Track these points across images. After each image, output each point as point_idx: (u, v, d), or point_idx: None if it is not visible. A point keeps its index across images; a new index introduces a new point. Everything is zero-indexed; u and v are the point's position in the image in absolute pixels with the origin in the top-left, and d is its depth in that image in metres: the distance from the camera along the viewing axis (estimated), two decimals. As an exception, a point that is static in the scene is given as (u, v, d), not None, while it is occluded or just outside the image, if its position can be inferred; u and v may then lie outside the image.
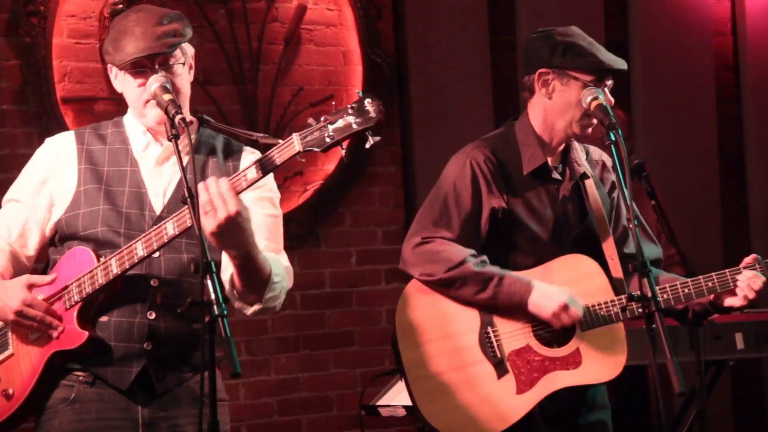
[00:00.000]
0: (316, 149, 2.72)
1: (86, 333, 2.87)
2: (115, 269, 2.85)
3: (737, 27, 6.64)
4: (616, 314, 3.31)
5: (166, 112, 2.78)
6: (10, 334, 2.98)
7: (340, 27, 5.59)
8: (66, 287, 2.91)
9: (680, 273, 5.24)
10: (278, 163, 2.75)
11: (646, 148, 6.19)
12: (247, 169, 2.78)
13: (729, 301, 3.35)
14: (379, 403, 4.37)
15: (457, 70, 5.84)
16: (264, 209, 3.00)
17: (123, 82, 2.98)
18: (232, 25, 5.34)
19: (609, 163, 3.53)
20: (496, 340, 3.35)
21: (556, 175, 3.41)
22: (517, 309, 3.32)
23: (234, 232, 2.72)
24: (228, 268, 2.90)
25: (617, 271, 3.39)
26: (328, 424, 5.53)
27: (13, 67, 4.92)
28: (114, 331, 2.90)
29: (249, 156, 3.05)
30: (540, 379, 3.31)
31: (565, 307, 3.27)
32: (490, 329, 3.35)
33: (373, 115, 2.72)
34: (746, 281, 3.32)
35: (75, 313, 2.88)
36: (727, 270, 3.34)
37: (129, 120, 3.06)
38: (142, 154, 3.00)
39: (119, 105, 4.97)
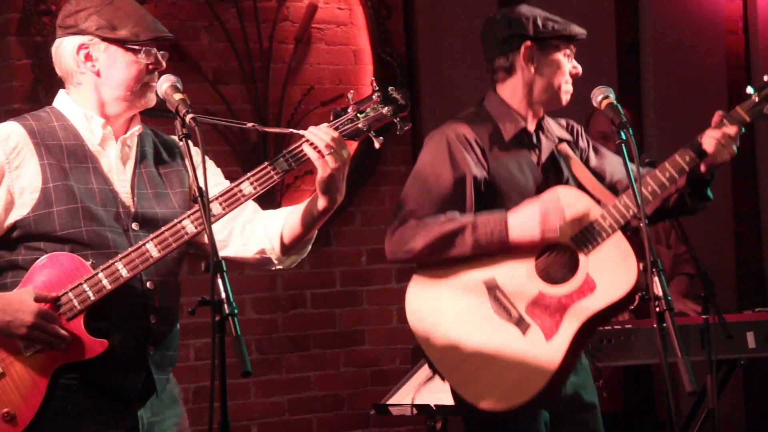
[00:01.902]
0: (352, 139, 2.84)
1: (106, 342, 2.77)
2: (125, 273, 2.77)
3: (749, 25, 6.63)
4: (610, 225, 3.29)
5: (177, 112, 2.77)
6: None
7: (350, 26, 5.60)
8: (60, 297, 2.77)
9: (690, 271, 5.26)
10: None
11: (657, 147, 6.18)
12: (273, 161, 2.84)
13: (707, 159, 3.38)
14: (390, 402, 4.37)
15: (468, 70, 5.83)
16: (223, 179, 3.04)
17: (111, 60, 2.86)
18: (243, 24, 5.35)
19: (577, 128, 3.57)
20: (508, 301, 3.33)
21: (534, 142, 3.43)
22: (503, 247, 3.29)
23: (344, 177, 2.86)
24: (274, 221, 2.94)
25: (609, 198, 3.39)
26: (339, 423, 5.53)
27: (24, 66, 4.94)
28: (117, 338, 2.81)
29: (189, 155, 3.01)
30: (564, 318, 3.28)
31: (545, 216, 3.25)
32: (498, 293, 3.33)
33: (402, 102, 2.87)
34: (709, 137, 3.39)
35: (82, 324, 2.77)
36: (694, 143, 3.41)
37: (72, 110, 2.91)
38: (99, 149, 2.89)
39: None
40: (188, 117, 2.73)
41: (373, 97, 2.86)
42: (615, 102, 3.24)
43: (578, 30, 3.43)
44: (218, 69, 5.31)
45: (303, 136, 2.85)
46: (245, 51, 5.36)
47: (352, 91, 2.92)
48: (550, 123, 3.51)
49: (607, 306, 3.28)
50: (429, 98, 5.78)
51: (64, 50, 2.90)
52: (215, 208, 2.82)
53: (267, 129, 3.06)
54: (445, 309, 3.37)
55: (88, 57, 2.87)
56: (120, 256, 2.78)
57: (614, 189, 3.48)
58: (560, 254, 3.36)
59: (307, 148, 2.83)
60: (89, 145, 2.89)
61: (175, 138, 2.99)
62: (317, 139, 2.81)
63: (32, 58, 4.91)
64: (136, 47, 2.87)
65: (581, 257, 3.31)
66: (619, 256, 3.29)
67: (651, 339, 4.38)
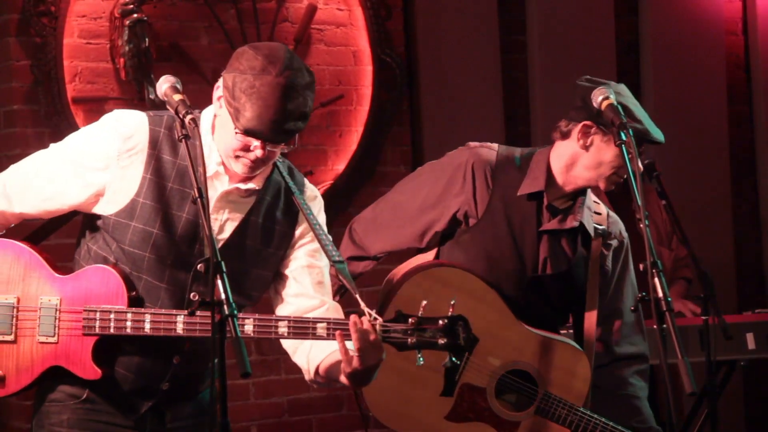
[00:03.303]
0: (394, 347, 2.76)
1: (100, 372, 2.83)
2: (147, 328, 2.80)
3: (748, 26, 6.63)
4: (570, 422, 3.37)
5: (176, 112, 2.76)
6: (15, 320, 2.86)
7: (350, 27, 5.60)
8: (88, 310, 2.83)
9: (689, 276, 5.25)
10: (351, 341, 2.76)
11: (656, 148, 6.16)
12: (317, 322, 2.78)
13: None
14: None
15: (467, 70, 5.84)
16: (323, 261, 3.00)
17: (225, 119, 2.79)
18: (242, 25, 5.35)
19: (615, 242, 3.56)
20: (463, 366, 3.37)
21: (546, 211, 3.42)
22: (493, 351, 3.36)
23: (372, 373, 2.78)
24: (318, 350, 2.90)
25: (590, 348, 3.45)
26: (338, 424, 5.53)
27: (23, 67, 4.93)
28: (135, 367, 2.87)
29: (302, 223, 2.96)
30: (472, 422, 3.36)
31: None
32: (466, 353, 3.36)
33: (461, 342, 2.74)
34: None
35: (91, 346, 2.83)
36: None
37: (206, 132, 2.87)
38: (208, 180, 2.84)
39: (130, 105, 5.01)
40: (188, 118, 2.73)
41: (440, 321, 2.74)
42: (615, 103, 3.23)
43: (653, 136, 3.36)
44: (218, 70, 5.24)
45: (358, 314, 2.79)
46: (245, 52, 5.35)
47: (425, 302, 2.78)
48: (586, 208, 3.48)
49: None
50: (429, 99, 5.78)
51: (217, 83, 2.85)
52: (248, 325, 2.79)
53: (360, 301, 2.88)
54: (426, 311, 3.39)
55: (219, 99, 2.83)
56: (153, 310, 2.81)
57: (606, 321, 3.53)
58: (529, 389, 3.42)
59: (338, 338, 2.75)
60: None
61: (309, 192, 2.98)
62: (353, 336, 2.72)
63: (31, 59, 4.91)
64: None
65: (532, 409, 3.38)
66: None
67: (651, 340, 4.38)
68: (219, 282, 2.55)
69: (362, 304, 2.78)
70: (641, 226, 2.98)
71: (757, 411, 6.51)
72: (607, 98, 3.24)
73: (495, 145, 3.50)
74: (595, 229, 3.50)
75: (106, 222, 2.86)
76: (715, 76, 6.45)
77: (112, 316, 2.81)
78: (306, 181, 3.02)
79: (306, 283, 2.95)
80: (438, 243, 3.51)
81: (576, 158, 3.39)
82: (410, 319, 2.74)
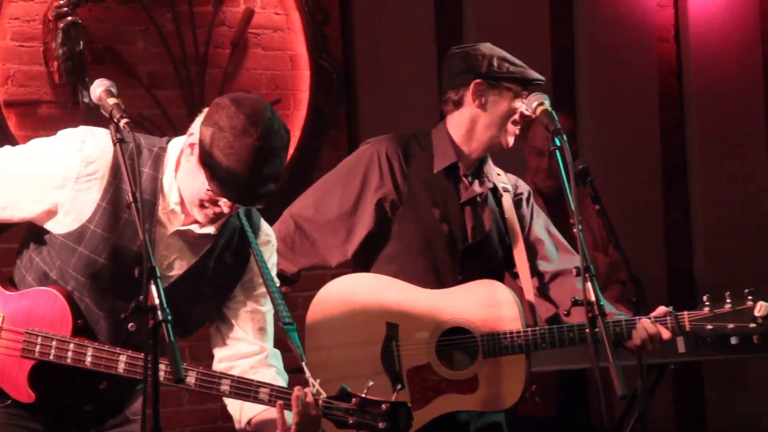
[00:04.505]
0: (334, 424, 2.75)
1: (34, 396, 2.80)
2: (87, 361, 2.77)
3: (680, 33, 6.72)
4: (519, 346, 3.36)
5: (111, 116, 2.74)
6: None
7: (287, 31, 5.59)
8: (30, 333, 2.79)
9: (623, 277, 5.31)
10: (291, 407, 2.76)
11: (590, 153, 6.24)
12: (260, 386, 2.78)
13: (628, 343, 3.42)
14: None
15: (405, 74, 5.86)
16: (266, 306, 2.98)
17: (194, 170, 2.72)
18: (179, 28, 5.32)
19: (524, 192, 3.59)
20: (397, 355, 3.37)
21: (464, 181, 3.48)
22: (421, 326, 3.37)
23: None
24: (254, 405, 2.87)
25: (529, 292, 3.46)
26: (274, 429, 5.51)
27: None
28: (61, 390, 2.84)
29: (251, 267, 2.94)
30: (434, 399, 3.36)
31: None
32: (393, 343, 3.38)
33: (401, 428, 2.74)
34: (643, 328, 3.38)
35: (28, 369, 2.79)
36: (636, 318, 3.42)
37: (170, 168, 2.81)
38: (164, 216, 2.82)
39: (63, 109, 4.96)
40: (122, 122, 2.71)
41: (383, 405, 2.74)
42: (550, 109, 3.27)
43: (534, 75, 3.43)
44: (154, 73, 5.27)
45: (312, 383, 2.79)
46: (181, 55, 5.33)
47: (371, 383, 2.76)
48: (491, 170, 3.55)
49: (473, 411, 3.38)
50: (366, 103, 5.79)
51: (192, 127, 2.79)
52: (191, 377, 2.79)
53: (307, 373, 2.89)
54: (344, 325, 3.41)
55: (191, 146, 2.75)
56: (96, 344, 2.78)
57: (536, 271, 3.54)
58: (467, 340, 3.41)
59: (278, 409, 2.75)
60: (159, 209, 2.82)
61: (264, 236, 2.96)
62: (294, 409, 2.72)
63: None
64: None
65: (480, 356, 3.37)
66: (511, 376, 3.38)
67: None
68: (153, 287, 2.54)
69: (307, 373, 2.79)
70: (575, 230, 3.02)
71: (687, 413, 6.60)
72: (542, 104, 3.30)
73: (392, 135, 3.54)
74: (504, 187, 3.57)
75: (53, 240, 2.82)
76: (647, 82, 6.54)
77: (54, 343, 2.78)
78: (262, 222, 3.00)
79: (248, 328, 2.96)
80: (364, 252, 3.52)
81: (475, 121, 3.45)
82: (354, 399, 2.74)
